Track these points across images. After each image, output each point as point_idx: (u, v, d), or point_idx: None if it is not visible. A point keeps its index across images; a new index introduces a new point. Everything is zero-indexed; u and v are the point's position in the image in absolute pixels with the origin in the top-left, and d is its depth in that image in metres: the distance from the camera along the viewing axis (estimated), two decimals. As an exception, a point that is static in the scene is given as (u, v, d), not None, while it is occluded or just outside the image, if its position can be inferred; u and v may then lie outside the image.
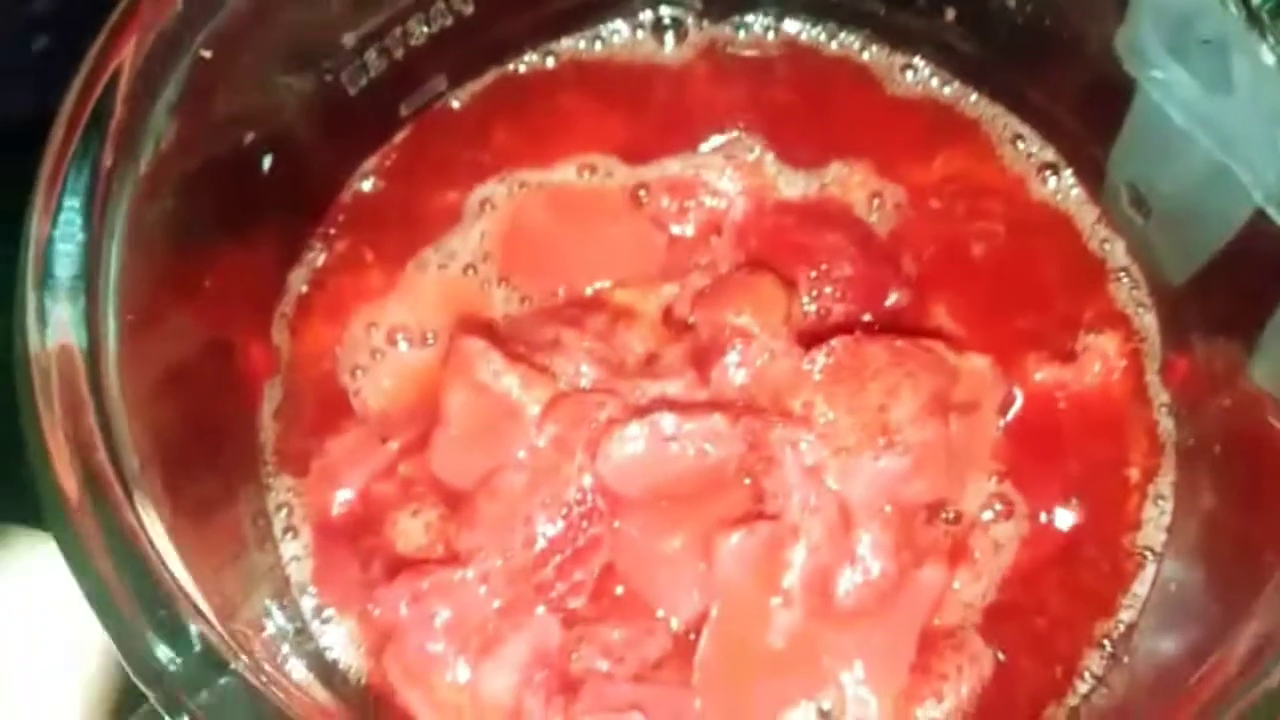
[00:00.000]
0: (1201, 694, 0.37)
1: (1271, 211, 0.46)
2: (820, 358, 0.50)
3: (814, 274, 0.55)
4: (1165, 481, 0.51)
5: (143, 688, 0.34)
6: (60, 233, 0.39)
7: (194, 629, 0.33)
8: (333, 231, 0.58)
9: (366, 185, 0.59)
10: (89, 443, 0.36)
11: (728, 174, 0.58)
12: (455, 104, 0.61)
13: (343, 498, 0.52)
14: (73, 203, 0.39)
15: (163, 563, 0.35)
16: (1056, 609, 0.49)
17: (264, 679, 0.34)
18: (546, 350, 0.52)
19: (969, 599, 0.50)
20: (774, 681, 0.47)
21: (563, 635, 0.47)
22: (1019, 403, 0.53)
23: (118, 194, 0.42)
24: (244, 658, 0.34)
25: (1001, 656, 0.48)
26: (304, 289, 0.57)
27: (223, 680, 0.32)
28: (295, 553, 0.52)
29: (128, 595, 0.34)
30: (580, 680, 0.46)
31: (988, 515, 0.51)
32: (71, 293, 0.38)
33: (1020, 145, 0.58)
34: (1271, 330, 0.47)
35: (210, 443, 0.51)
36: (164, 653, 0.33)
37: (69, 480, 0.36)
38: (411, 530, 0.50)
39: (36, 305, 0.38)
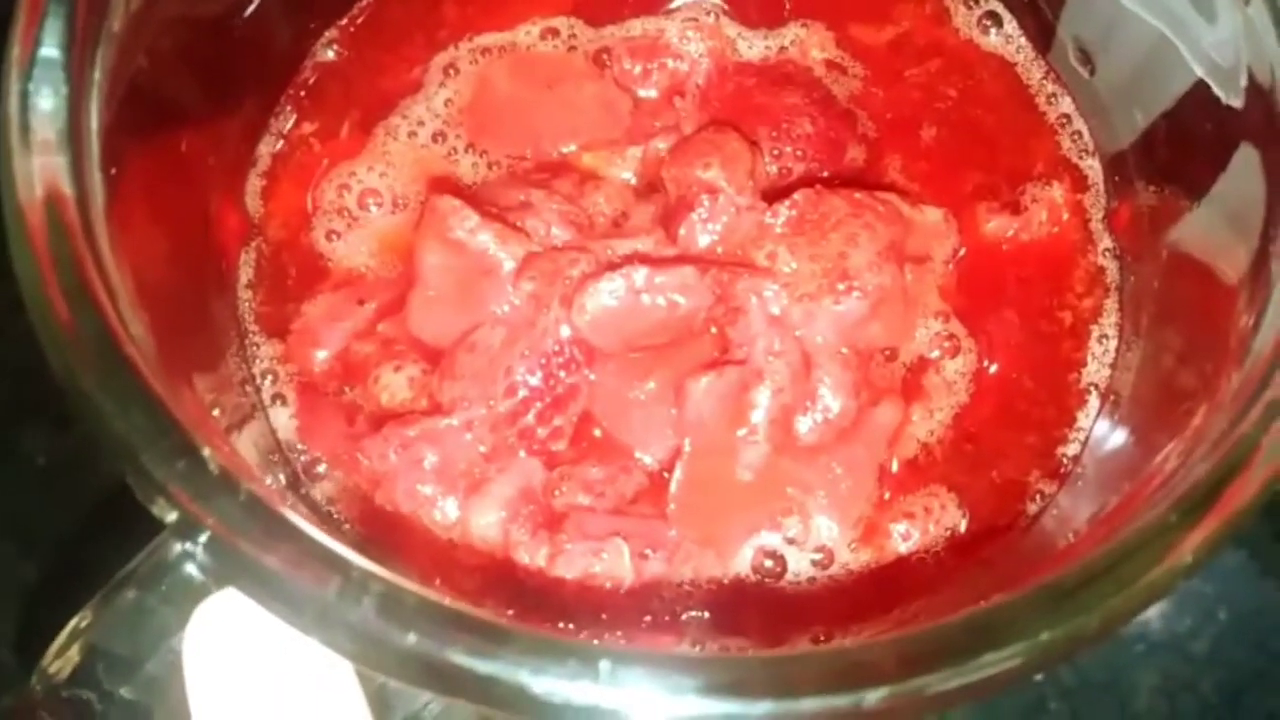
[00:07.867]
0: (1135, 503, 0.40)
1: (1211, 83, 0.48)
2: (783, 210, 0.52)
3: (775, 134, 0.57)
4: (1109, 321, 0.54)
5: (154, 511, 0.35)
6: (41, 84, 0.39)
7: (207, 452, 0.34)
8: (302, 95, 0.58)
9: (330, 53, 0.60)
10: (93, 292, 0.37)
11: (689, 36, 0.59)
12: (412, -32, 0.61)
13: (322, 356, 0.54)
14: (51, 55, 0.39)
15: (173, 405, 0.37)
16: (1007, 441, 0.52)
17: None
18: (517, 212, 0.54)
19: (923, 435, 0.53)
20: (742, 511, 0.50)
21: (545, 475, 0.50)
22: (968, 251, 0.55)
23: (92, 49, 0.41)
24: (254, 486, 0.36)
25: (959, 490, 0.52)
26: (273, 155, 0.57)
27: (242, 496, 0.34)
28: (283, 417, 0.53)
29: (141, 430, 0.35)
30: (564, 515, 0.49)
31: (935, 353, 0.53)
32: (59, 144, 0.39)
33: (971, 4, 0.60)
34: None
35: (194, 308, 0.52)
36: (178, 473, 0.34)
37: (70, 323, 0.36)
38: (394, 385, 0.52)
39: (23, 157, 0.38)
